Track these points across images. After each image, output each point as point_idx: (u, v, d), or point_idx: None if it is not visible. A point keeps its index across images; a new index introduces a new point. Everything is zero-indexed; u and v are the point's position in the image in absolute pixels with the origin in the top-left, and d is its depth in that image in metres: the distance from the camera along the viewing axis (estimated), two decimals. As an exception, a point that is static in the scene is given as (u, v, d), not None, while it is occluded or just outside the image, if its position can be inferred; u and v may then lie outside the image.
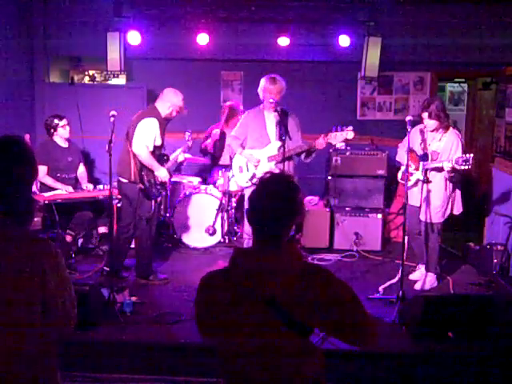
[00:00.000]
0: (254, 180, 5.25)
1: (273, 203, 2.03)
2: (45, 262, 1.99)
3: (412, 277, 5.36)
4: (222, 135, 6.61)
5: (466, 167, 4.66)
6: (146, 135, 4.96)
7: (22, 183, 2.06)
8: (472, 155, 4.69)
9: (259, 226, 2.06)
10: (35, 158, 2.13)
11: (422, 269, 5.36)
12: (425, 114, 4.91)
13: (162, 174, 5.09)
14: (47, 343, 2.07)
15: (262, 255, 2.04)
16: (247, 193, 5.43)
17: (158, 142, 5.07)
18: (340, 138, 5.00)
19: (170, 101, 5.10)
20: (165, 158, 5.19)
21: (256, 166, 5.24)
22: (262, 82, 5.16)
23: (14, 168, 2.03)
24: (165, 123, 5.14)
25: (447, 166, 4.75)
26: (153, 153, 5.05)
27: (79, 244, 6.09)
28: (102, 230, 5.96)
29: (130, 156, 5.01)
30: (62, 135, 5.91)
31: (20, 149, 2.08)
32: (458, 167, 4.68)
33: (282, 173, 2.23)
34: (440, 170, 4.91)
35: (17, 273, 1.96)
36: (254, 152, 5.27)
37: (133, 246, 5.39)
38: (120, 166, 5.09)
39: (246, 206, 2.13)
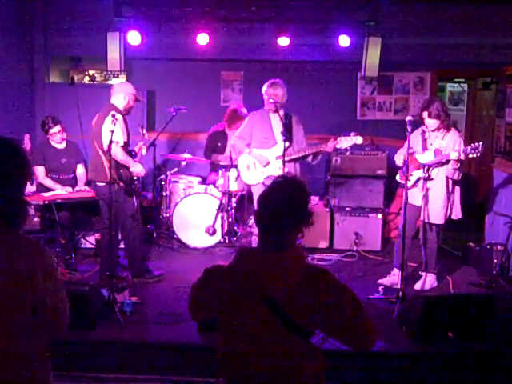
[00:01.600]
0: (264, 176, 5.36)
1: (280, 207, 2.06)
2: (35, 264, 1.97)
3: (381, 281, 5.23)
4: (224, 136, 6.61)
5: (475, 155, 4.63)
6: (114, 132, 4.88)
7: (13, 185, 2.04)
8: (482, 143, 4.64)
9: (265, 227, 2.08)
10: (28, 159, 2.11)
11: (396, 273, 5.20)
12: (425, 114, 4.91)
13: (137, 168, 5.07)
14: (38, 345, 2.06)
15: (265, 256, 2.05)
16: (255, 190, 5.49)
17: (125, 138, 5.01)
18: (349, 142, 5.19)
19: (122, 91, 5.10)
20: (133, 153, 5.17)
21: (265, 166, 5.38)
22: (264, 87, 5.27)
23: (4, 169, 2.01)
24: (126, 118, 5.10)
25: (454, 155, 4.70)
26: (123, 149, 4.99)
27: (79, 244, 6.08)
28: (99, 236, 5.90)
29: (101, 158, 4.94)
30: (53, 140, 5.89)
31: (11, 150, 2.06)
32: (466, 156, 4.67)
33: (294, 178, 2.26)
34: (443, 165, 4.89)
35: (7, 275, 1.94)
36: (263, 152, 5.38)
37: (122, 246, 5.39)
38: (93, 170, 5.05)
39: (255, 206, 2.16)
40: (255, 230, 5.38)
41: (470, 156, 4.67)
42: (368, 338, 2.03)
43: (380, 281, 5.21)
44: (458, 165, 4.79)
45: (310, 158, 5.40)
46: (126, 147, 5.05)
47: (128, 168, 5.02)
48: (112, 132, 4.58)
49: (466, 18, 6.91)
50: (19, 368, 1.99)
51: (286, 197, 2.08)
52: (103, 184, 4.95)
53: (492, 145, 6.92)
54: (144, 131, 5.54)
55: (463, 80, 9.04)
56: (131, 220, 5.09)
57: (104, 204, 5.03)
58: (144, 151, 5.36)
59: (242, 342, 2.03)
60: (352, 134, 5.18)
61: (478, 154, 4.64)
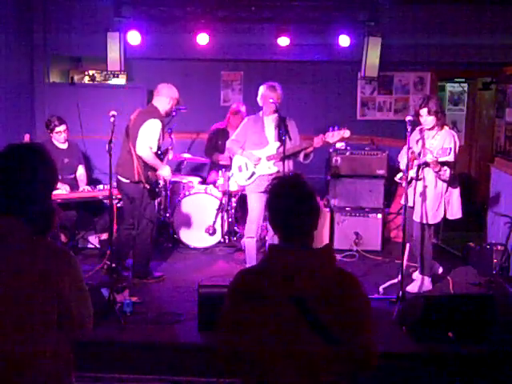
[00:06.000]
0: (253, 178, 5.29)
1: (303, 202, 2.07)
2: (61, 271, 1.99)
3: (415, 276, 5.34)
4: (225, 134, 6.61)
5: (446, 158, 4.60)
6: (150, 137, 4.93)
7: (40, 190, 2.06)
8: (452, 146, 4.68)
9: (290, 226, 2.07)
10: (55, 165, 2.13)
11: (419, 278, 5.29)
12: (423, 111, 4.87)
13: (165, 172, 5.09)
14: (62, 346, 2.10)
15: (297, 254, 2.02)
16: (248, 190, 5.41)
17: (160, 143, 5.07)
18: (337, 136, 5.13)
19: (167, 95, 5.11)
20: (161, 156, 5.18)
21: (255, 165, 5.28)
22: (261, 89, 5.25)
23: (31, 175, 2.03)
24: (165, 121, 5.14)
25: (430, 158, 4.69)
26: (155, 153, 5.04)
27: (79, 244, 6.09)
28: (104, 236, 5.90)
29: (132, 156, 4.98)
30: (56, 139, 5.89)
31: (38, 156, 2.08)
32: (439, 158, 4.63)
33: (296, 174, 2.28)
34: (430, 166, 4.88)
35: (34, 281, 1.96)
36: (254, 151, 5.32)
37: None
38: (121, 166, 5.05)
39: (269, 209, 2.13)
40: (251, 231, 5.35)
41: (443, 159, 4.63)
42: (373, 357, 2.09)
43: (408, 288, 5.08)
44: (438, 167, 4.75)
45: (301, 157, 5.30)
46: (157, 150, 5.08)
47: (155, 170, 5.03)
48: (149, 136, 4.70)
49: (466, 18, 6.91)
50: (43, 367, 2.01)
51: (302, 191, 2.10)
52: (127, 181, 4.98)
53: (492, 145, 6.93)
54: (172, 135, 5.54)
55: (463, 80, 9.04)
56: (147, 221, 5.10)
57: (126, 201, 5.07)
58: (171, 155, 5.37)
59: (266, 340, 1.99)
60: (342, 128, 5.11)
61: (449, 156, 4.59)
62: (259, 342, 2.01)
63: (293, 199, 2.09)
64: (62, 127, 5.84)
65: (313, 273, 1.99)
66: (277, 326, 1.98)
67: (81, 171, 6.08)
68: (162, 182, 5.18)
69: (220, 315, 2.11)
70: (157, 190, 5.10)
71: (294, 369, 1.97)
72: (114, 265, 4.89)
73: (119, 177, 5.10)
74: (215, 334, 2.13)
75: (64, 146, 5.97)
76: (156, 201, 5.19)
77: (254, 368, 2.03)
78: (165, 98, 5.10)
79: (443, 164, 4.75)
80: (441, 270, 5.38)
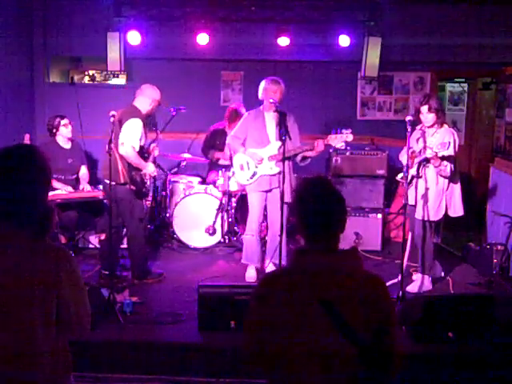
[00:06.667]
0: (255, 178, 5.27)
1: (330, 203, 2.08)
2: (60, 272, 2.00)
3: (415, 277, 5.34)
4: (224, 134, 6.61)
5: (446, 152, 4.62)
6: (132, 136, 4.91)
7: (42, 190, 2.07)
8: (451, 141, 4.70)
9: (316, 227, 2.06)
10: (49, 164, 2.13)
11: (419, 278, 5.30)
12: (424, 108, 4.88)
13: (150, 169, 5.08)
14: (61, 348, 2.11)
15: (326, 257, 2.02)
16: (249, 189, 5.39)
17: (142, 142, 5.05)
18: (340, 140, 5.07)
19: (150, 96, 5.11)
20: (146, 155, 5.17)
21: (257, 165, 5.27)
22: (263, 83, 5.20)
23: (35, 174, 2.04)
24: (145, 121, 5.13)
25: (429, 153, 4.71)
26: (138, 152, 5.02)
27: (79, 244, 6.08)
28: (104, 237, 5.88)
29: (116, 158, 4.96)
30: (64, 134, 5.88)
31: (32, 156, 2.08)
32: (438, 153, 4.64)
33: (322, 175, 2.26)
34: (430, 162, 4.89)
35: (33, 281, 1.96)
36: (257, 151, 5.30)
37: (124, 246, 5.41)
38: (106, 168, 5.01)
39: (296, 210, 2.11)
40: (252, 230, 5.35)
41: (442, 153, 4.64)
42: (397, 365, 2.04)
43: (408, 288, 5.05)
44: (438, 162, 4.76)
45: (298, 159, 5.26)
46: (141, 150, 5.07)
47: (140, 170, 5.02)
48: (130, 136, 4.68)
49: (466, 18, 6.91)
50: (42, 366, 2.02)
51: (333, 193, 2.11)
52: (113, 183, 4.96)
53: (492, 145, 6.93)
54: (158, 132, 5.55)
55: (463, 80, 9.03)
56: (138, 222, 5.10)
57: (113, 203, 5.06)
58: (156, 152, 5.35)
59: (292, 341, 1.98)
60: (343, 131, 5.06)
61: (448, 150, 4.61)
62: (285, 342, 2.00)
63: (320, 200, 2.07)
64: (66, 120, 5.88)
65: (339, 275, 1.98)
66: (302, 328, 1.97)
67: (83, 171, 6.07)
68: (148, 181, 5.15)
69: (246, 316, 2.11)
70: (144, 189, 5.09)
71: (319, 369, 1.96)
72: (106, 272, 4.93)
73: (105, 179, 5.07)
74: (241, 335, 2.13)
75: (68, 146, 5.96)
76: (143, 200, 5.15)
77: (279, 368, 2.03)
78: (147, 98, 5.10)
79: (443, 159, 4.75)
80: (442, 274, 5.37)
